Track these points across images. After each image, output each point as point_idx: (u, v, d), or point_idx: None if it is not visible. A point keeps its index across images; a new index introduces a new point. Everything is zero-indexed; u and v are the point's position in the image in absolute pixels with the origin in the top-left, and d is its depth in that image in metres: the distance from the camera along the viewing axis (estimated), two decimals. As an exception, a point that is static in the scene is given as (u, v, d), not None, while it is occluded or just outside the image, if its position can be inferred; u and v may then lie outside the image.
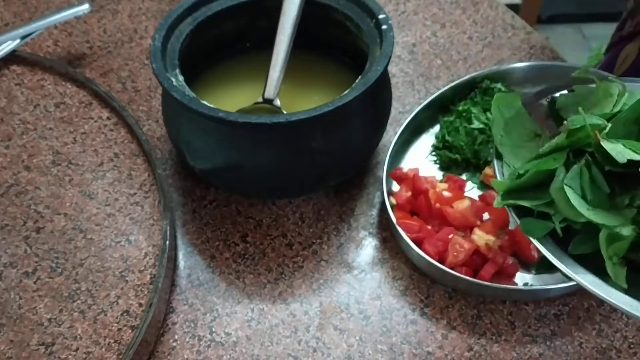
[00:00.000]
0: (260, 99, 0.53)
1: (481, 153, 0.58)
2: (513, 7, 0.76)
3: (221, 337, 0.49)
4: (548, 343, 0.49)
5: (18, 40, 0.66)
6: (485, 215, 0.54)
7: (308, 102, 0.55)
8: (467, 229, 0.52)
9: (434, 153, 0.60)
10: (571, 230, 0.34)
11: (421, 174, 0.55)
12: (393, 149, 0.57)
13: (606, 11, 1.75)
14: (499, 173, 0.38)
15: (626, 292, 0.32)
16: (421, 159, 0.60)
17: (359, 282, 0.52)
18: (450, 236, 0.51)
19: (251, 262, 0.53)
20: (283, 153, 0.49)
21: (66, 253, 0.51)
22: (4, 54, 0.65)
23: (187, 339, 0.49)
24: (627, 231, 0.32)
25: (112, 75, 0.67)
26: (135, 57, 0.69)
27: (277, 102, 0.53)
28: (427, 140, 0.61)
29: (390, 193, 0.55)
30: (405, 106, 0.65)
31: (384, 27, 0.51)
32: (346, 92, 0.47)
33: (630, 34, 0.76)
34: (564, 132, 0.35)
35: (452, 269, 0.49)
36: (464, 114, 0.60)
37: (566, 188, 0.32)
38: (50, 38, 0.71)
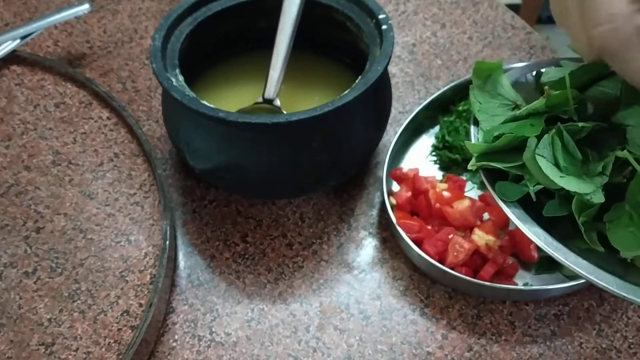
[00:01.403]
0: (260, 99, 0.53)
1: None
2: (513, 7, 0.76)
3: (221, 337, 0.49)
4: (548, 343, 0.49)
5: (18, 40, 0.66)
6: (486, 216, 0.54)
7: (308, 102, 0.55)
8: (467, 229, 0.52)
9: (434, 153, 0.60)
10: (545, 194, 0.34)
11: (421, 174, 0.55)
12: (393, 149, 0.57)
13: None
14: (474, 137, 0.38)
15: (592, 259, 0.32)
16: (421, 159, 0.60)
17: (359, 282, 0.52)
18: (450, 236, 0.51)
19: (251, 262, 0.53)
20: (283, 153, 0.49)
21: (66, 253, 0.51)
22: (4, 54, 0.65)
23: (187, 339, 0.49)
24: (598, 199, 0.32)
25: (112, 75, 0.67)
26: (135, 57, 0.69)
27: (277, 102, 0.53)
28: (427, 140, 0.61)
29: (390, 193, 0.55)
30: (405, 106, 0.65)
31: (384, 27, 0.51)
32: (346, 92, 0.47)
33: None
34: (545, 97, 0.34)
35: (452, 269, 0.49)
36: (464, 114, 0.59)
37: (538, 157, 0.32)
38: (50, 38, 0.71)
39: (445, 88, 0.61)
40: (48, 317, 0.48)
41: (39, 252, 0.51)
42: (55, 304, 0.48)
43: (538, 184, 0.34)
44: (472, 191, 0.57)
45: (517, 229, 0.47)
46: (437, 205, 0.53)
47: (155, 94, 0.65)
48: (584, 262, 0.32)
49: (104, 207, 0.55)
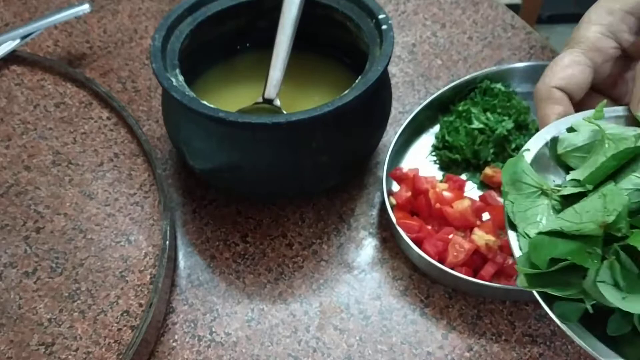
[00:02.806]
0: (260, 99, 0.53)
1: (481, 153, 0.58)
2: (513, 7, 0.76)
3: (221, 337, 0.49)
4: (548, 343, 0.49)
5: (18, 40, 0.66)
6: (485, 215, 0.54)
7: (308, 102, 0.55)
8: (467, 229, 0.52)
9: (434, 153, 0.60)
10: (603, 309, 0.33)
11: (421, 174, 0.55)
12: (393, 149, 0.56)
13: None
14: (515, 247, 0.35)
15: None
16: (421, 159, 0.60)
17: (359, 282, 0.52)
18: (450, 236, 0.51)
19: (251, 262, 0.53)
20: (283, 153, 0.49)
21: (66, 253, 0.51)
22: (4, 54, 0.65)
23: (187, 339, 0.49)
24: None
25: (112, 75, 0.67)
26: (135, 57, 0.69)
27: (277, 102, 0.53)
28: (427, 140, 0.61)
29: (390, 193, 0.55)
30: (405, 106, 0.65)
31: (384, 27, 0.51)
32: (346, 92, 0.47)
33: None
34: (598, 226, 0.33)
35: (452, 269, 0.49)
36: (464, 114, 0.60)
37: (599, 285, 0.31)
38: (50, 38, 0.71)
39: (445, 88, 0.61)
40: (48, 317, 0.48)
41: (39, 252, 0.51)
42: (55, 304, 0.48)
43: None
44: (472, 191, 0.57)
45: None
46: (437, 205, 0.53)
47: (155, 94, 0.65)
48: None
49: (104, 207, 0.55)
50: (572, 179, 0.37)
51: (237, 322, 0.50)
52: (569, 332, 0.33)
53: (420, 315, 0.50)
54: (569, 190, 0.36)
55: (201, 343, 0.49)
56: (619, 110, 0.40)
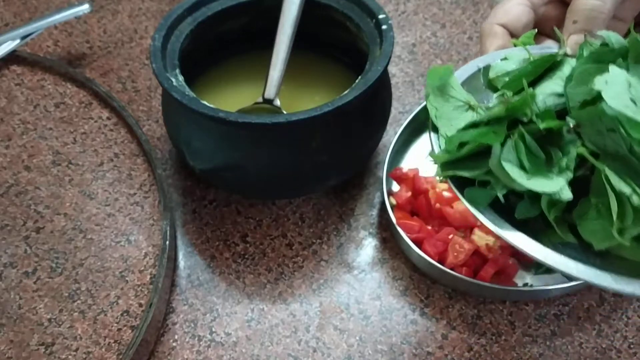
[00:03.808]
0: (260, 99, 0.54)
1: None
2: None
3: (221, 337, 0.49)
4: (548, 343, 0.49)
5: (18, 41, 0.66)
6: None
7: (308, 102, 0.55)
8: (467, 229, 0.52)
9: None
10: (513, 195, 0.35)
11: (421, 174, 0.55)
12: (393, 149, 0.56)
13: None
14: (435, 145, 0.37)
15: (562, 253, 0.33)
16: (422, 158, 0.60)
17: (359, 282, 0.52)
18: (450, 236, 0.51)
19: (251, 262, 0.53)
20: (283, 153, 0.49)
21: (66, 253, 0.51)
22: (4, 54, 0.65)
23: (187, 339, 0.49)
24: (566, 196, 0.32)
25: (112, 75, 0.67)
26: (135, 57, 0.69)
27: (277, 102, 0.53)
28: (428, 140, 0.61)
29: (390, 193, 0.55)
30: (405, 106, 0.65)
31: (384, 27, 0.51)
32: (346, 92, 0.47)
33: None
34: (504, 104, 0.35)
35: (452, 269, 0.49)
36: None
37: (504, 163, 0.33)
38: (50, 38, 0.71)
39: None
40: (48, 317, 0.48)
41: (39, 252, 0.51)
42: (55, 304, 0.48)
43: (505, 187, 0.34)
44: None
45: None
46: (437, 205, 0.53)
47: (155, 94, 0.65)
48: (566, 259, 0.32)
49: (104, 207, 0.55)
50: (498, 96, 0.39)
51: (237, 322, 0.50)
52: (478, 215, 0.34)
53: (420, 315, 0.50)
54: (494, 104, 0.37)
55: (201, 343, 0.49)
56: (553, 47, 0.42)
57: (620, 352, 0.48)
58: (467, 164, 0.35)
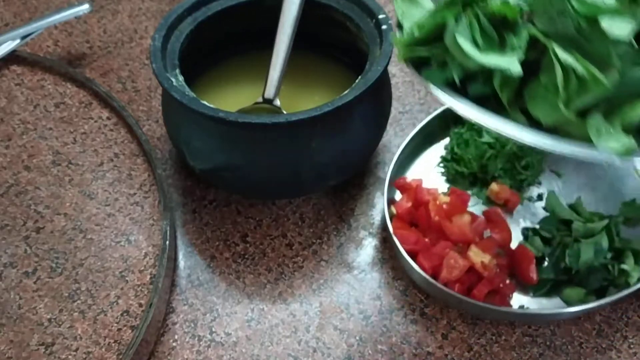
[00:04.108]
0: (260, 99, 0.54)
1: (489, 168, 0.56)
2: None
3: (221, 337, 0.49)
4: (548, 343, 0.49)
5: (18, 40, 0.66)
6: (487, 233, 0.52)
7: (308, 102, 0.55)
8: (464, 244, 0.50)
9: (442, 164, 0.59)
10: (469, 78, 0.37)
11: (426, 185, 0.54)
12: (399, 157, 0.55)
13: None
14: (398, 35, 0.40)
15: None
16: (429, 169, 0.59)
17: (359, 282, 0.52)
18: (447, 251, 0.49)
19: (251, 262, 0.53)
20: (283, 153, 0.49)
21: (66, 253, 0.51)
22: (4, 54, 0.65)
23: (187, 339, 0.49)
24: (516, 70, 0.33)
25: (112, 75, 0.67)
26: (135, 57, 0.69)
27: (277, 102, 0.53)
28: (438, 150, 0.60)
29: (392, 202, 0.54)
30: (405, 106, 0.65)
31: (384, 27, 0.51)
32: (346, 92, 0.47)
33: None
34: None
35: (445, 284, 0.48)
36: (476, 127, 0.58)
37: (457, 36, 0.34)
38: (50, 38, 0.71)
39: None
40: (48, 317, 0.48)
41: (39, 252, 0.51)
42: (55, 304, 0.48)
43: (461, 66, 0.36)
44: (476, 206, 0.56)
45: (518, 248, 0.50)
46: (436, 217, 0.51)
47: (155, 94, 0.65)
48: (512, 123, 0.34)
49: (104, 207, 0.55)
50: None
51: (237, 322, 0.50)
52: (434, 90, 0.37)
53: (420, 315, 0.50)
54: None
55: (201, 343, 0.49)
56: None
57: (620, 352, 0.48)
58: (426, 45, 0.37)
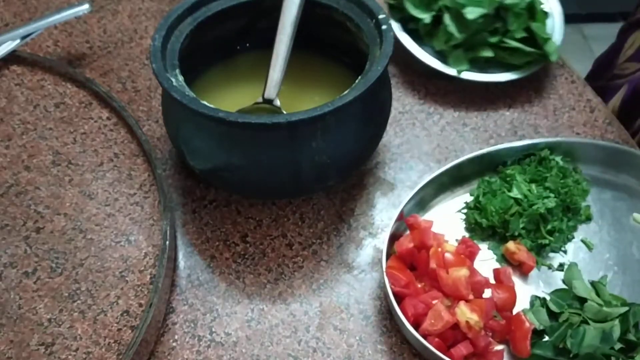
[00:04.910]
0: (260, 99, 0.54)
1: (510, 224, 0.53)
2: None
3: (221, 337, 0.49)
4: (548, 343, 0.49)
5: (18, 41, 0.66)
6: (487, 293, 0.50)
7: (308, 102, 0.55)
8: (455, 299, 0.48)
9: (464, 211, 0.56)
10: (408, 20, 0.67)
11: (439, 229, 0.51)
12: (420, 190, 0.53)
13: (606, 11, 1.75)
14: None
15: None
16: (451, 213, 0.56)
17: (359, 282, 0.52)
18: (435, 302, 0.47)
19: (251, 262, 0.53)
20: (283, 153, 0.49)
21: (66, 253, 0.51)
22: (4, 54, 0.65)
23: (187, 339, 0.49)
24: (427, 20, 0.64)
25: (112, 76, 0.67)
26: (135, 57, 0.69)
27: (277, 102, 0.53)
28: (466, 196, 0.57)
29: (397, 237, 0.52)
30: (405, 106, 0.65)
31: (383, 27, 0.51)
32: (346, 92, 0.47)
33: (638, 20, 0.77)
34: None
35: (424, 336, 0.46)
36: (508, 179, 0.55)
37: (405, 2, 0.66)
38: (50, 38, 0.71)
39: (502, 146, 0.57)
40: (48, 317, 0.48)
41: (39, 252, 0.51)
42: (55, 304, 0.48)
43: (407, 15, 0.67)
44: (489, 262, 0.53)
45: (517, 315, 0.48)
46: (434, 265, 0.49)
47: (155, 94, 0.65)
48: None
49: (104, 207, 0.55)
50: None
51: (237, 322, 0.50)
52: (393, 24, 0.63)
53: (420, 315, 0.50)
54: None
55: (201, 343, 0.49)
56: None
57: (620, 352, 0.48)
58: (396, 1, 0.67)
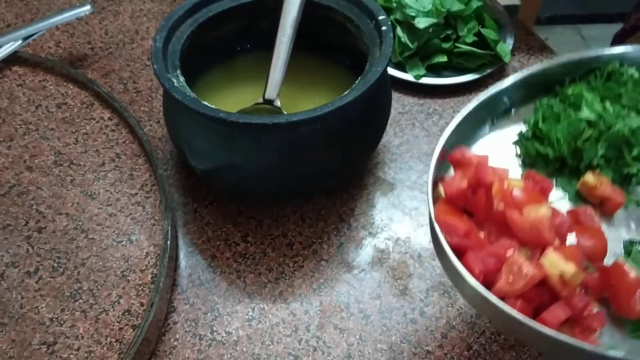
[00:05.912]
0: (260, 100, 0.54)
1: (585, 153, 0.43)
2: (512, 8, 0.76)
3: (222, 336, 0.49)
4: (547, 342, 0.49)
5: (20, 41, 0.66)
6: (571, 239, 0.39)
7: (308, 103, 0.56)
8: (537, 248, 0.36)
9: (519, 143, 0.46)
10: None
11: (491, 163, 0.40)
12: (459, 124, 0.42)
13: (605, 12, 1.76)
14: None
15: None
16: (499, 146, 0.45)
17: (359, 282, 0.52)
18: (509, 253, 0.36)
19: (252, 261, 0.54)
20: (283, 153, 0.50)
21: (68, 253, 0.52)
22: (6, 55, 0.65)
23: (188, 338, 0.49)
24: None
25: (113, 76, 0.68)
26: (136, 58, 0.69)
27: (278, 103, 0.54)
28: (514, 127, 0.46)
29: (439, 179, 0.40)
30: (405, 106, 0.65)
31: (383, 28, 0.51)
32: (346, 92, 0.47)
33: (632, 27, 0.77)
34: None
35: (501, 298, 0.34)
36: (572, 99, 0.45)
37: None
38: (52, 39, 0.71)
39: (553, 64, 0.46)
40: (50, 316, 0.48)
41: (41, 251, 0.52)
42: (57, 304, 0.49)
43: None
44: (560, 202, 0.43)
45: (615, 266, 0.36)
46: (501, 206, 0.38)
47: (156, 95, 0.66)
48: None
49: (106, 207, 0.55)
50: None
51: (238, 321, 0.50)
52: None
53: (419, 315, 0.50)
54: None
55: (202, 342, 0.49)
56: None
57: (618, 351, 0.48)
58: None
